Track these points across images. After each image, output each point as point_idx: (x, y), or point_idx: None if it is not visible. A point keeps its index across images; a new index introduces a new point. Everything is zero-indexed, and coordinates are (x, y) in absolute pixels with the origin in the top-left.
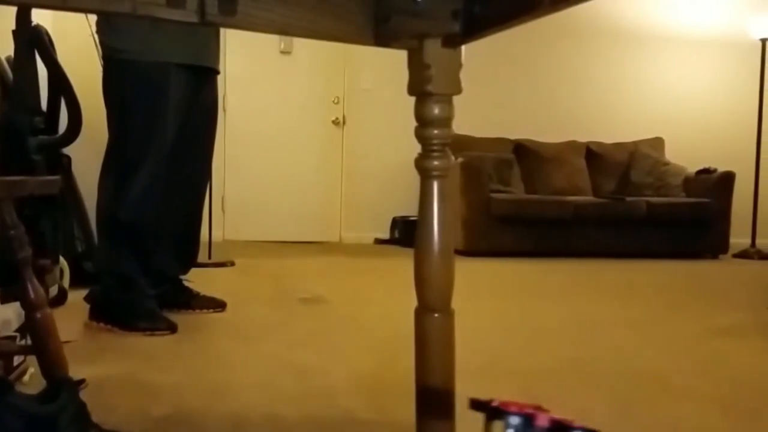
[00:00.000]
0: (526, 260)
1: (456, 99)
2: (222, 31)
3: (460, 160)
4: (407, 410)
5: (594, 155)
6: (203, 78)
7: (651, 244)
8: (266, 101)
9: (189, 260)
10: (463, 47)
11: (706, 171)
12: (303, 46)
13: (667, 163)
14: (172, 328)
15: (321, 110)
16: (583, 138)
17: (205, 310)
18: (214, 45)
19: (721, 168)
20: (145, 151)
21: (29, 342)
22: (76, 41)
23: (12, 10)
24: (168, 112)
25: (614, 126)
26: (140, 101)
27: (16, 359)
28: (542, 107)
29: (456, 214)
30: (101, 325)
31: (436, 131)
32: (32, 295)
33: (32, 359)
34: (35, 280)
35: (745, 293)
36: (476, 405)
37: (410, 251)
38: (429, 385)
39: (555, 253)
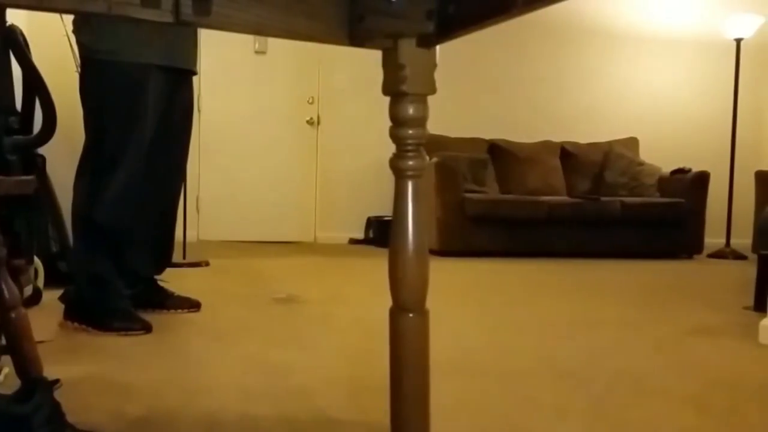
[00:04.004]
0: (501, 260)
1: (431, 99)
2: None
3: (434, 160)
4: (382, 410)
5: (568, 155)
6: (180, 79)
7: (626, 244)
8: (241, 101)
9: (164, 260)
10: (437, 47)
11: (680, 171)
12: (278, 46)
13: (641, 163)
14: (147, 328)
15: (295, 110)
16: (557, 138)
17: (179, 310)
18: (192, 46)
19: (696, 168)
20: (122, 152)
21: (3, 342)
22: (50, 41)
23: None
24: (146, 113)
25: (589, 126)
26: (119, 102)
27: None
28: (517, 107)
29: (430, 214)
30: (76, 325)
31: (410, 131)
32: (7, 295)
33: (7, 359)
34: (9, 280)
35: (720, 293)
36: None
37: (385, 251)
38: (403, 385)
39: (530, 253)
